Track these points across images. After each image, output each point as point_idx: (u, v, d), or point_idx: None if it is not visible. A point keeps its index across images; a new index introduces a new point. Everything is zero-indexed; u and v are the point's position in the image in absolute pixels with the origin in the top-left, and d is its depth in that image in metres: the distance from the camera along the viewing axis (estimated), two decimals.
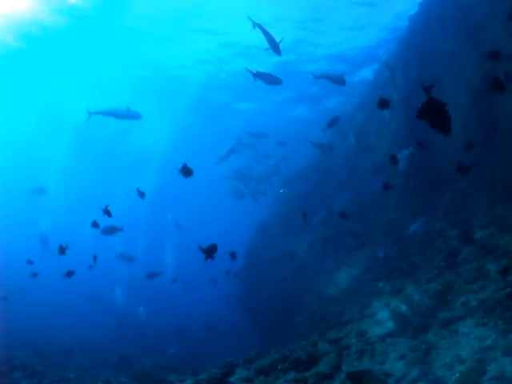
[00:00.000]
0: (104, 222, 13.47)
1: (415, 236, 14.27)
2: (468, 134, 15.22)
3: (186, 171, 10.17)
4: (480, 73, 14.71)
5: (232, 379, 10.62)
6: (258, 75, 13.58)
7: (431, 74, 16.16)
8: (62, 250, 12.59)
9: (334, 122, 15.65)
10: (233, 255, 13.20)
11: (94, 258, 13.49)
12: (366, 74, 25.20)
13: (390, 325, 10.32)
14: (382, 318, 10.78)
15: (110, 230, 15.17)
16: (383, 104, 10.36)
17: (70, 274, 13.06)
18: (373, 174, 17.81)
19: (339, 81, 14.29)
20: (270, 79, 13.88)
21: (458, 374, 7.32)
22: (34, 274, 16.63)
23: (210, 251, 8.76)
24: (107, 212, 12.25)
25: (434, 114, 5.08)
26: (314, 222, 18.10)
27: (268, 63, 23.85)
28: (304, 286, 18.27)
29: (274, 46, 13.29)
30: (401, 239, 15.13)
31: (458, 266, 11.33)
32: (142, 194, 13.47)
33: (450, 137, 15.60)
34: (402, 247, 14.65)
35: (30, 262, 17.04)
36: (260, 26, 13.04)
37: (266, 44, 13.36)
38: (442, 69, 15.98)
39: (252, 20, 12.97)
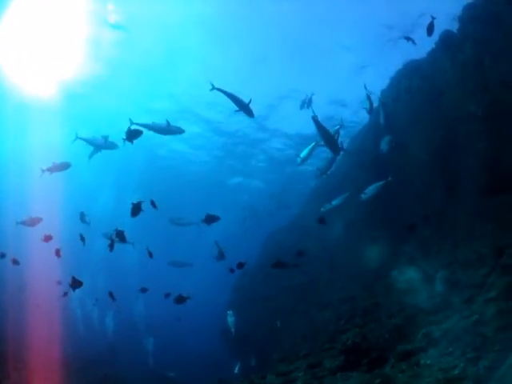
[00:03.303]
0: None
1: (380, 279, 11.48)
2: (429, 187, 13.02)
3: None
4: (441, 133, 12.71)
5: None
6: None
7: (398, 139, 14.17)
8: None
9: None
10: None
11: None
12: None
13: (341, 358, 7.33)
14: (335, 352, 7.79)
15: None
16: None
17: None
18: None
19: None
20: None
21: None
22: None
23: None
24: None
25: None
26: None
27: None
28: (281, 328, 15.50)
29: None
30: (368, 282, 12.37)
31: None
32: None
33: (413, 190, 13.33)
34: (368, 289, 11.83)
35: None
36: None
37: None
38: (408, 133, 13.92)
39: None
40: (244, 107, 8.81)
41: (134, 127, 9.31)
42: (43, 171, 11.37)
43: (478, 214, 10.31)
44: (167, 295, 12.10)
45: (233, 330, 14.45)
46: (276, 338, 15.42)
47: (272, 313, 16.67)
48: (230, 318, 14.63)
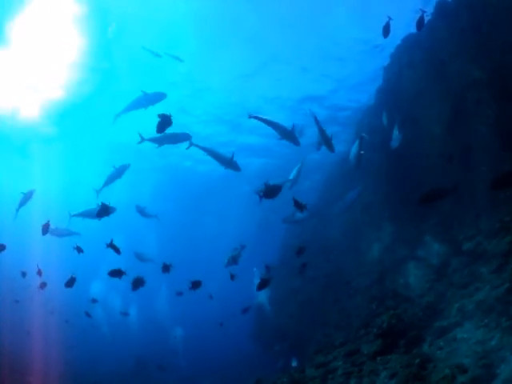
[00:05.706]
0: None
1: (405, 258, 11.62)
2: (444, 160, 13.08)
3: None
4: (449, 103, 12.73)
5: None
6: None
7: (406, 115, 14.23)
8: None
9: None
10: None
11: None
12: None
13: (378, 342, 7.52)
14: (371, 336, 7.98)
15: None
16: None
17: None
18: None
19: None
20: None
21: None
22: None
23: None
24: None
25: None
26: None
27: None
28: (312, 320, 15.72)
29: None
30: (393, 263, 12.48)
31: (449, 276, 8.64)
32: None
33: (428, 165, 13.37)
34: (395, 270, 11.95)
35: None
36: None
37: None
38: (415, 107, 13.96)
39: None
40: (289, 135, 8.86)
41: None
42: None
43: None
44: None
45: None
46: (308, 330, 15.63)
47: (301, 305, 16.88)
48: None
